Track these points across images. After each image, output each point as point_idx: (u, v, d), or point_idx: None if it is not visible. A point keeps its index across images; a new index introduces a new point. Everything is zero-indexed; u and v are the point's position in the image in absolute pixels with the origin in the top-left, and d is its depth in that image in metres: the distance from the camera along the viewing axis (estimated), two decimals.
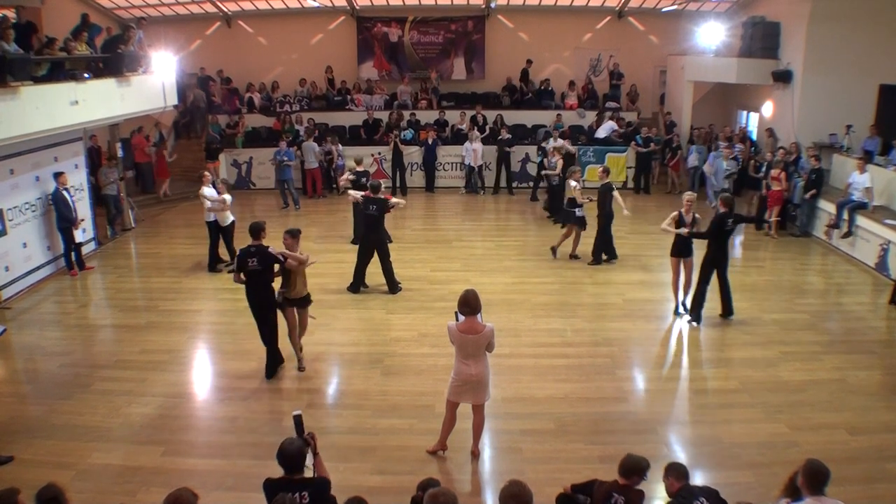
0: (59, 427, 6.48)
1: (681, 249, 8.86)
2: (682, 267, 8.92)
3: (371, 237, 9.73)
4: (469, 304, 5.43)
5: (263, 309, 7.28)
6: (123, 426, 6.50)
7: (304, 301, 7.52)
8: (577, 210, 10.99)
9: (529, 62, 18.55)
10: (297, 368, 7.61)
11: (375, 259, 9.82)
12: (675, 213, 8.86)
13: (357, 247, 10.15)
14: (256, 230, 7.20)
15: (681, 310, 9.05)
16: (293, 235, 7.29)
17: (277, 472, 4.05)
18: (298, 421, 4.16)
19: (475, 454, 5.96)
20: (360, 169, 12.03)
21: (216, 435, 6.44)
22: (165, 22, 17.79)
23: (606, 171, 11.14)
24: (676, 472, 4.12)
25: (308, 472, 4.11)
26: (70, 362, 7.92)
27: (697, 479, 5.64)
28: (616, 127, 16.70)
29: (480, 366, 5.58)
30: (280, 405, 6.93)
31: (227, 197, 10.72)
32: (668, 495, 4.13)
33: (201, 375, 7.84)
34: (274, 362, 7.49)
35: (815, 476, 3.79)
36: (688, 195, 8.97)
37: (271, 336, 7.38)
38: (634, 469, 4.13)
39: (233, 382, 7.41)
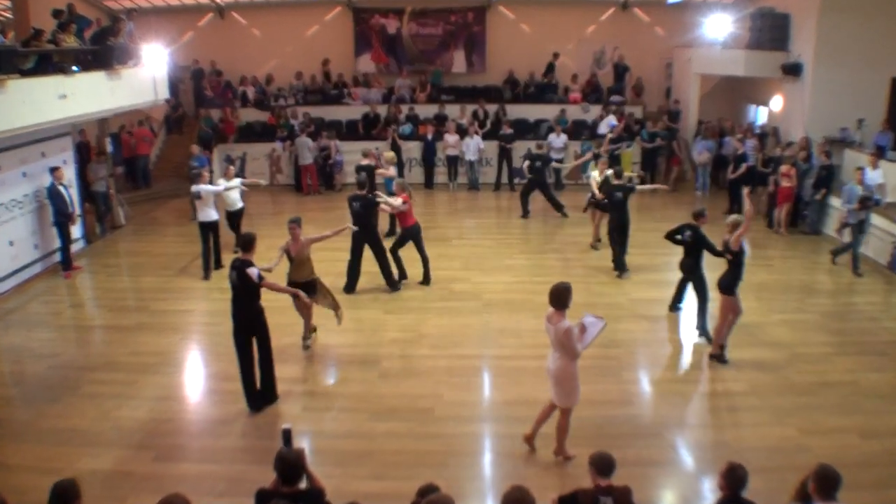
0: (46, 431, 6.47)
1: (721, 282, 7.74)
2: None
3: (359, 234, 9.71)
4: (551, 294, 5.62)
5: (240, 331, 6.78)
6: (113, 430, 6.49)
7: (308, 286, 7.77)
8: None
9: (556, 55, 18.44)
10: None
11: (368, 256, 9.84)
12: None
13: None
14: (245, 243, 6.79)
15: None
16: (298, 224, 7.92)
17: (270, 478, 4.04)
18: (287, 435, 4.14)
19: (556, 453, 5.99)
20: (364, 163, 11.99)
21: (209, 439, 6.43)
22: (156, 13, 17.76)
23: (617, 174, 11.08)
24: (731, 478, 4.00)
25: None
26: (58, 364, 7.91)
27: (705, 485, 5.66)
28: (616, 122, 16.64)
29: (555, 362, 5.72)
30: (274, 408, 6.91)
31: (226, 183, 10.96)
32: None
33: (193, 378, 7.84)
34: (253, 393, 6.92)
35: (826, 481, 3.78)
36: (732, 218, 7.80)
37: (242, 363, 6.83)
38: (611, 466, 4.10)
39: (225, 385, 7.37)
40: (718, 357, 7.75)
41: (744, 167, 13.76)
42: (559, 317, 5.59)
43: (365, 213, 9.65)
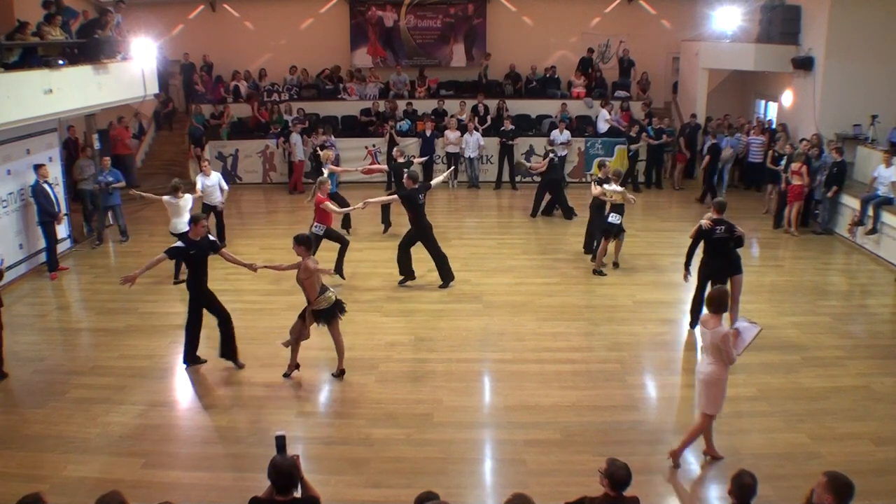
0: (31, 438, 6.47)
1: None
2: (730, 285, 8.03)
3: (417, 224, 10.11)
4: (709, 298, 5.86)
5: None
6: (101, 437, 6.50)
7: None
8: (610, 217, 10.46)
9: (591, 50, 18.49)
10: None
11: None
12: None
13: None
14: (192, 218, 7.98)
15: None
16: (300, 243, 7.16)
17: (263, 486, 4.05)
18: (281, 442, 4.14)
19: (705, 453, 6.09)
20: (400, 160, 12.44)
21: (199, 446, 6.44)
22: (146, 5, 17.74)
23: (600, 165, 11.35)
24: (738, 485, 4.03)
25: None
26: (44, 368, 7.91)
27: (713, 492, 5.67)
28: (608, 115, 16.66)
29: (707, 367, 5.74)
30: (267, 414, 6.92)
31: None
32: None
33: (184, 382, 7.82)
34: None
35: (838, 489, 3.79)
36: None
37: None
38: (626, 483, 4.07)
39: (217, 390, 7.41)
40: None
41: (707, 159, 14.91)
42: (716, 321, 5.63)
43: (424, 203, 10.14)
